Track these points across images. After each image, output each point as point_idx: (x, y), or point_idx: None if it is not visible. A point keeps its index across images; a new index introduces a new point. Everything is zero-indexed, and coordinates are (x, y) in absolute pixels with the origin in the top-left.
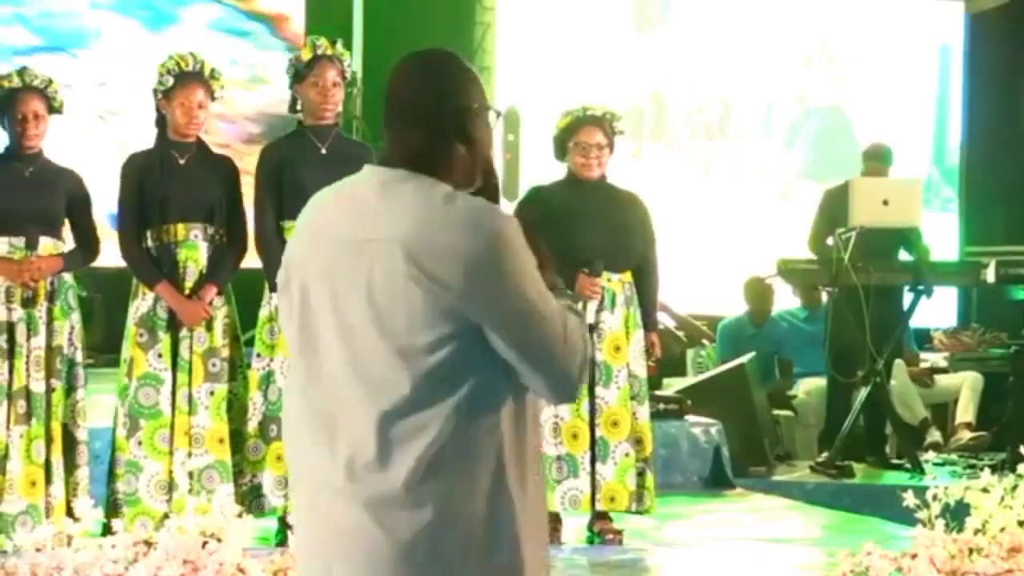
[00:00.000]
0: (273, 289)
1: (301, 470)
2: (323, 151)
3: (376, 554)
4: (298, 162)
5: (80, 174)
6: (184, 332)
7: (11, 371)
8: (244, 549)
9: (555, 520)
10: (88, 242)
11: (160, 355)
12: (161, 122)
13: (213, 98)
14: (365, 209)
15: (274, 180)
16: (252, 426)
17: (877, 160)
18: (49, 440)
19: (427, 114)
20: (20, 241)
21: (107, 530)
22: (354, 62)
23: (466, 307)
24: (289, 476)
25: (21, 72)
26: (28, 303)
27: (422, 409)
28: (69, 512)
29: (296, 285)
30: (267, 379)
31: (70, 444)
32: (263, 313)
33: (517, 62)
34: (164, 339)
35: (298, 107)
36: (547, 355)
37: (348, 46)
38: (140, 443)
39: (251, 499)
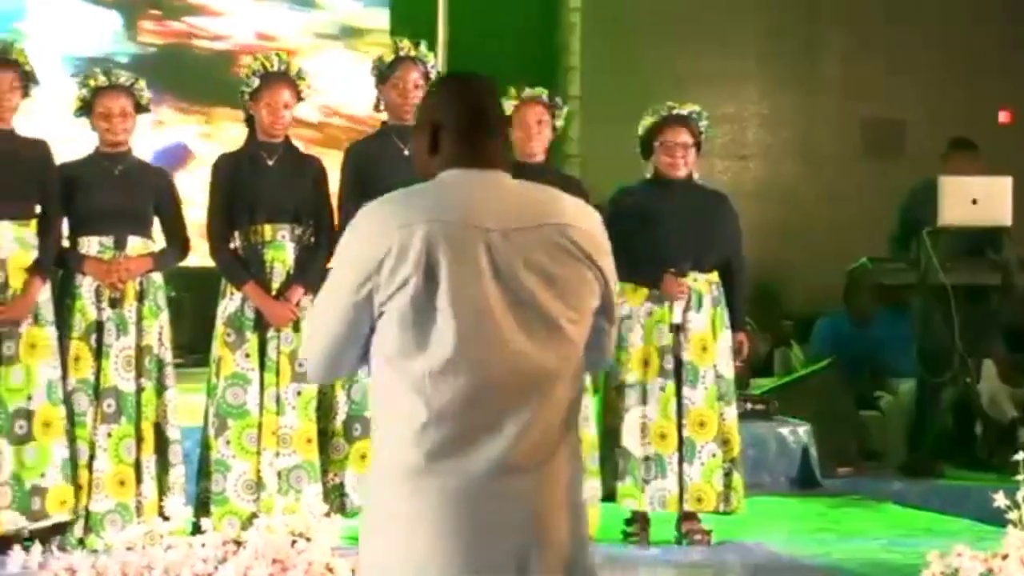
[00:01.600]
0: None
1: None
2: (406, 151)
3: (562, 514)
4: (381, 161)
5: (168, 173)
6: (271, 332)
7: (99, 371)
8: (332, 548)
9: (643, 520)
10: (177, 241)
11: (247, 355)
12: (250, 123)
13: (300, 98)
14: (526, 199)
15: (358, 179)
16: (336, 425)
17: (964, 149)
18: (139, 440)
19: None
20: (109, 240)
21: (196, 529)
22: (438, 63)
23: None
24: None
25: (107, 71)
26: (115, 303)
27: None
28: (161, 511)
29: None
30: (350, 379)
31: (162, 444)
32: None
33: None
34: (252, 339)
35: (381, 107)
36: None
37: (432, 48)
38: (228, 442)
39: (334, 498)
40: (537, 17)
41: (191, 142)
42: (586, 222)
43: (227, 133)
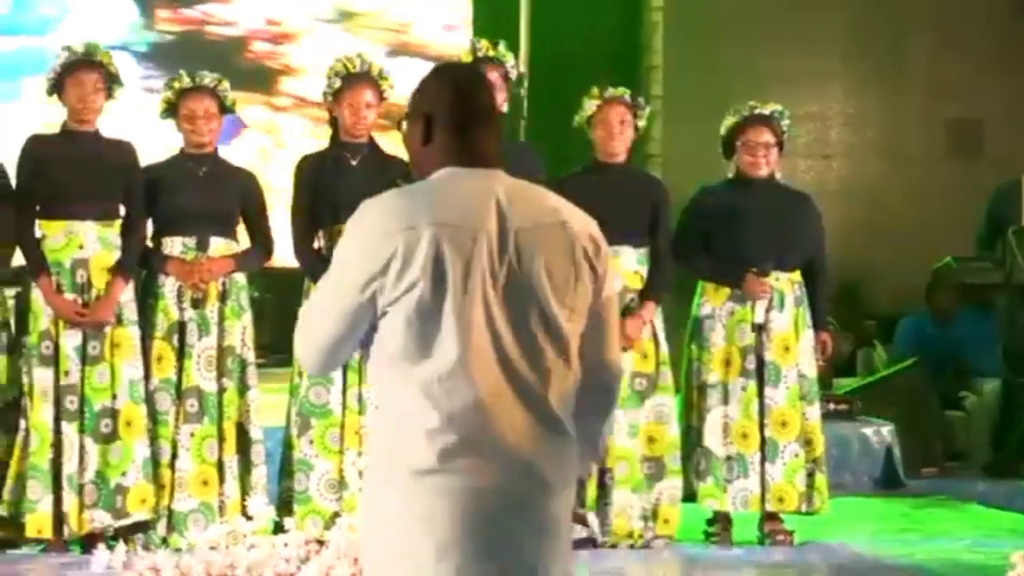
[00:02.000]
0: None
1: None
2: None
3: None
4: None
5: (251, 173)
6: None
7: (181, 370)
8: None
9: (725, 520)
10: (261, 242)
11: None
12: (333, 124)
13: (383, 98)
14: (524, 198)
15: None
16: None
17: None
18: (221, 439)
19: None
20: (192, 241)
21: (279, 528)
22: (520, 64)
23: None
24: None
25: (191, 72)
26: (197, 304)
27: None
28: (243, 511)
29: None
30: None
31: (245, 443)
32: None
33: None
34: None
35: None
36: None
37: (515, 48)
38: (311, 442)
39: None
40: (619, 16)
41: None
42: (581, 221)
43: (244, 116)
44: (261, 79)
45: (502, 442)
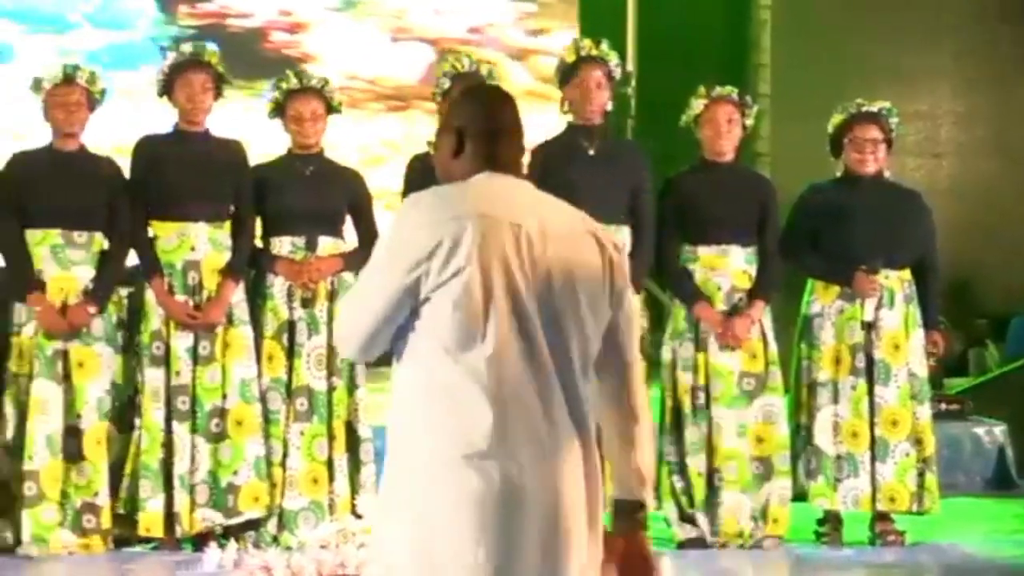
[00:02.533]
0: None
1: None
2: (590, 151)
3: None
4: (565, 162)
5: (360, 173)
6: None
7: (291, 370)
8: None
9: (835, 520)
10: (369, 241)
11: None
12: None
13: None
14: (552, 204)
15: (541, 178)
16: None
17: None
18: (331, 438)
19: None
20: (301, 241)
21: None
22: (628, 63)
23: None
24: None
25: (298, 73)
26: (307, 303)
27: None
28: (353, 509)
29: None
30: None
31: (354, 442)
32: None
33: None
34: None
35: (565, 108)
36: None
37: (621, 46)
38: None
39: None
40: (727, 15)
41: (239, 116)
42: (605, 233)
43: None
44: (283, 69)
45: (531, 429)
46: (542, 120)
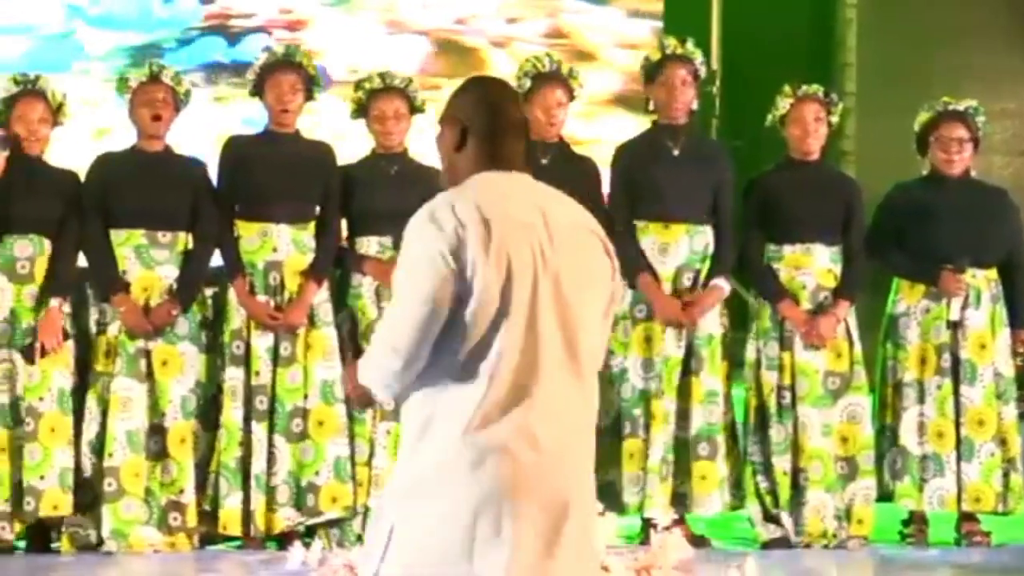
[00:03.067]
0: (633, 286)
1: None
2: (675, 151)
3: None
4: (649, 162)
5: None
6: None
7: None
8: (607, 546)
9: (921, 520)
10: None
11: None
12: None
13: (572, 97)
14: (556, 200)
15: (627, 179)
16: (607, 423)
17: None
18: None
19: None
20: (388, 240)
21: None
22: (713, 61)
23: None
24: None
25: (382, 74)
26: None
27: None
28: None
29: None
30: (620, 376)
31: None
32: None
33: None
34: None
35: (651, 107)
36: None
37: (706, 45)
38: None
39: (605, 497)
40: (813, 13)
41: (246, 114)
42: (599, 226)
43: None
44: None
45: (548, 425)
46: None
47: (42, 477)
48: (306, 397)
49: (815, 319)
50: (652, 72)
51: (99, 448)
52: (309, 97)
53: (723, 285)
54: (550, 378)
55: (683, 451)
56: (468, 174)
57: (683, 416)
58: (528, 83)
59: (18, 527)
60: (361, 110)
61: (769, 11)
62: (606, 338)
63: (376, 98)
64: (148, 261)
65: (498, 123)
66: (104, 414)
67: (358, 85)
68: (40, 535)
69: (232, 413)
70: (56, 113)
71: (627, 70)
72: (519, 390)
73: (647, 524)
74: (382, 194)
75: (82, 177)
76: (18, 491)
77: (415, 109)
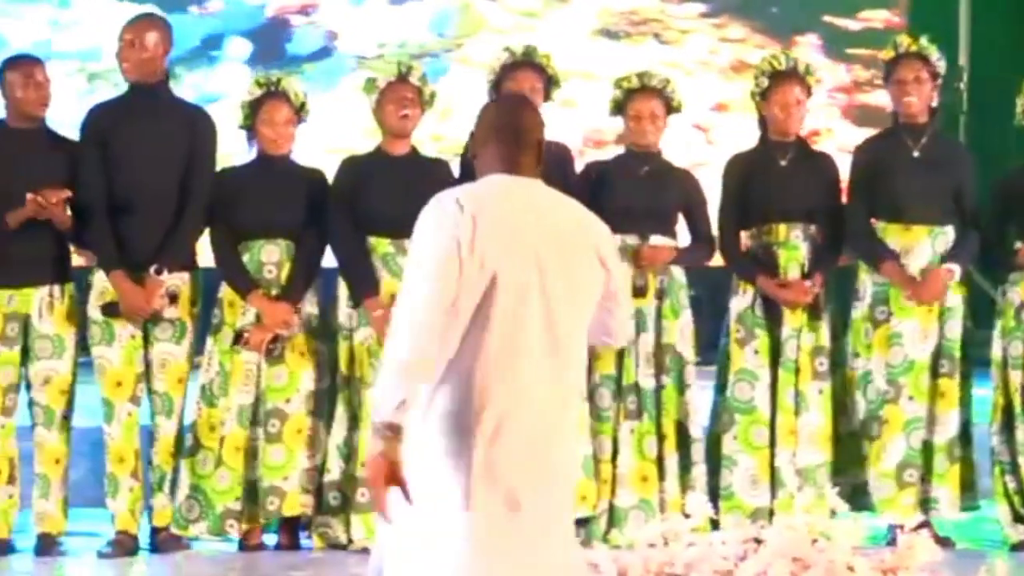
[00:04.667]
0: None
1: None
2: (915, 152)
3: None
4: (889, 163)
5: (693, 174)
6: (789, 331)
7: (621, 367)
8: (853, 547)
9: None
10: (703, 240)
11: (757, 351)
12: (762, 123)
13: (810, 94)
14: (558, 203)
15: (865, 178)
16: (854, 424)
17: None
18: (661, 437)
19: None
20: (632, 239)
21: (716, 525)
22: (962, 58)
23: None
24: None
25: (640, 74)
26: (639, 292)
27: None
28: (682, 508)
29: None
30: (865, 379)
31: (684, 441)
32: (856, 313)
33: None
34: (761, 336)
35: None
36: None
37: (952, 41)
38: (735, 438)
39: (853, 498)
40: None
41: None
42: (600, 224)
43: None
44: (325, 50)
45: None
46: None
47: (285, 478)
48: None
49: None
50: (887, 71)
51: (347, 454)
52: (547, 97)
53: (954, 268)
54: (531, 365)
55: (928, 453)
56: (485, 175)
57: (930, 419)
58: (765, 82)
59: (247, 525)
60: (618, 108)
61: (1017, 4)
62: (607, 318)
63: (633, 98)
64: (395, 270)
65: (514, 133)
66: (352, 420)
67: (616, 83)
68: (290, 532)
69: None
70: (299, 112)
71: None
72: (503, 374)
73: (893, 526)
74: (632, 192)
75: (329, 178)
76: (252, 491)
77: (672, 110)
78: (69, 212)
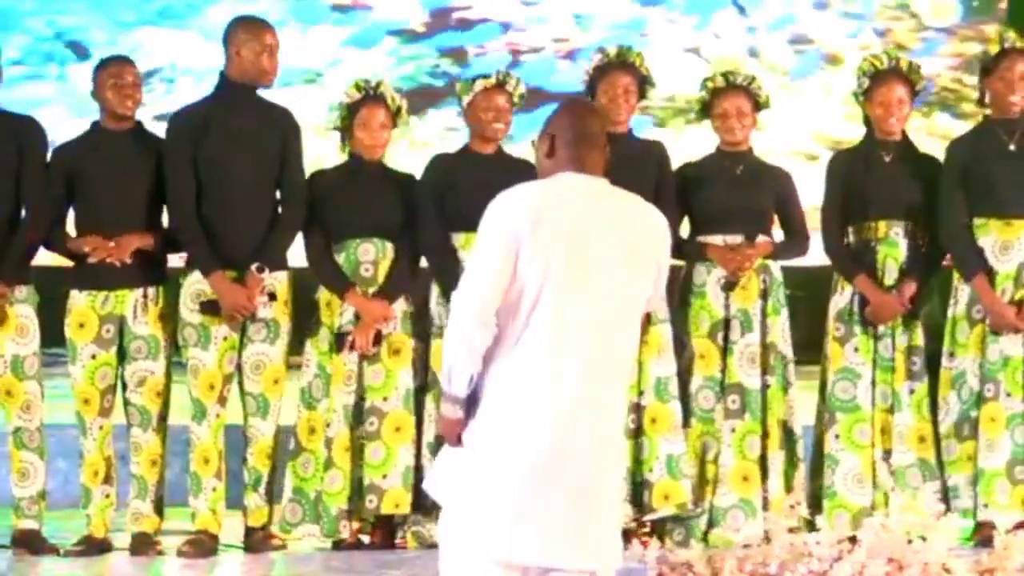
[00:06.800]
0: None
1: None
2: (1011, 146)
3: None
4: (985, 156)
5: (787, 171)
6: (884, 329)
7: (725, 367)
8: (949, 548)
9: None
10: (798, 236)
11: (856, 349)
12: (866, 121)
13: (916, 94)
14: (619, 200)
15: (961, 175)
16: (945, 427)
17: None
18: (764, 436)
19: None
20: (734, 239)
21: (811, 526)
22: None
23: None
24: None
25: (726, 73)
26: (730, 287)
27: None
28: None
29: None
30: (959, 378)
31: (788, 441)
32: (952, 313)
33: None
34: (860, 334)
35: (986, 100)
36: None
37: None
38: (837, 436)
39: (949, 499)
40: None
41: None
42: (654, 219)
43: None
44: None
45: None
46: None
47: (385, 476)
48: (641, 394)
49: None
50: (990, 66)
51: (437, 451)
52: (642, 96)
53: None
54: (577, 360)
55: None
56: (552, 175)
57: None
58: (867, 82)
59: (355, 524)
60: (705, 109)
61: None
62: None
63: (720, 96)
64: None
65: (581, 135)
66: None
67: (702, 84)
68: (385, 531)
69: None
70: (395, 117)
71: None
72: (553, 364)
73: (980, 525)
74: (727, 192)
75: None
76: (358, 489)
77: (759, 107)
78: (164, 215)
